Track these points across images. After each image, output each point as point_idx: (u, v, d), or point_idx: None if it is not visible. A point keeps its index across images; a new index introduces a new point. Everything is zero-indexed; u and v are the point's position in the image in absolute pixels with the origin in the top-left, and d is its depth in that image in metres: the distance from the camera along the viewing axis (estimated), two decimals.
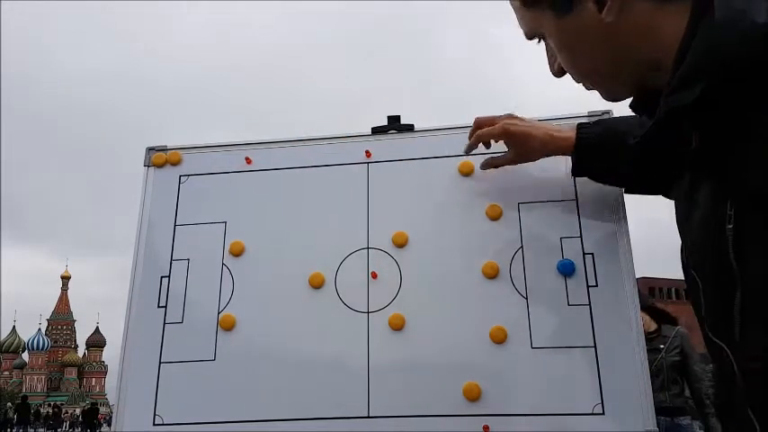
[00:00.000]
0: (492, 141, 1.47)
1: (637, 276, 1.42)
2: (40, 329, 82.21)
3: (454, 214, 1.54)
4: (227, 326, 1.53)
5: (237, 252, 1.60)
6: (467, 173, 1.57)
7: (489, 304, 1.44)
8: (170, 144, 1.76)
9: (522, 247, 1.48)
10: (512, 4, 0.91)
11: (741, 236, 0.70)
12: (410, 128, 1.66)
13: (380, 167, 1.62)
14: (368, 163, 1.63)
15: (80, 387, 79.51)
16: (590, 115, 1.52)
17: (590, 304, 1.40)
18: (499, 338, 1.41)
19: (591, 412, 1.33)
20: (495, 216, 1.51)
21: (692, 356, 3.52)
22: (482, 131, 1.40)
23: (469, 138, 1.45)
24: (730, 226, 0.71)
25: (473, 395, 1.37)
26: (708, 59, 0.68)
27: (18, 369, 79.31)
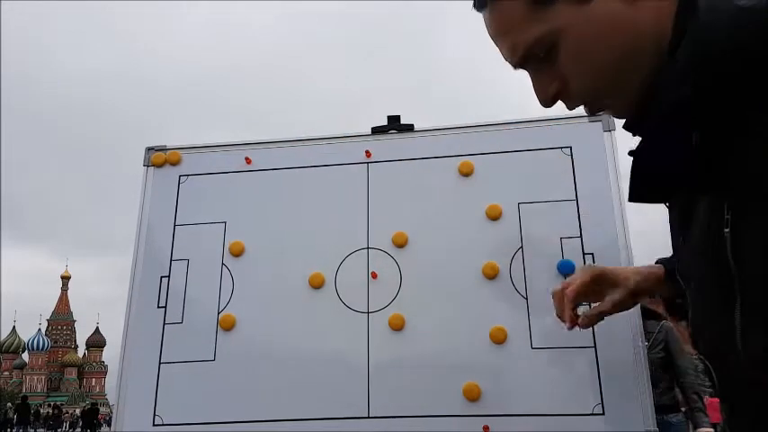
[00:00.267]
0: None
1: None
2: (40, 329, 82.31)
3: (454, 214, 1.54)
4: (227, 326, 1.53)
5: (237, 252, 1.60)
6: (467, 173, 1.57)
7: (489, 304, 1.44)
8: (169, 144, 1.76)
9: (522, 247, 1.48)
10: (502, 29, 0.81)
11: (739, 239, 0.70)
12: (410, 128, 1.66)
13: (380, 167, 1.62)
14: (368, 163, 1.63)
15: (80, 387, 79.53)
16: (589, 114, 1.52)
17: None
18: (499, 338, 1.41)
19: (591, 412, 1.33)
20: (495, 216, 1.51)
21: (675, 351, 3.46)
22: (570, 289, 1.17)
23: (560, 309, 1.21)
24: (727, 229, 0.70)
25: (473, 395, 1.37)
26: (697, 56, 0.68)
27: (18, 369, 79.35)
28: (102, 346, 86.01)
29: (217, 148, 1.74)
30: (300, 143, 1.70)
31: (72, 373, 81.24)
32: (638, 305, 1.40)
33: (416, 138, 1.65)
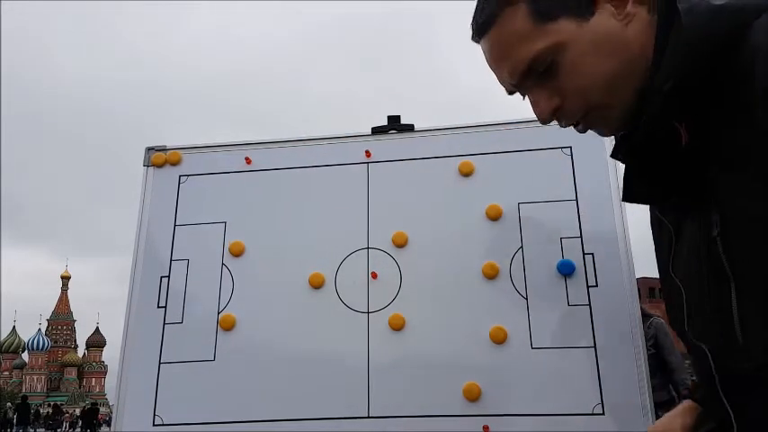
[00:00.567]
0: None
1: (637, 276, 1.42)
2: (40, 329, 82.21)
3: (454, 214, 1.54)
4: (227, 326, 1.53)
5: (237, 252, 1.60)
6: (467, 173, 1.57)
7: (489, 304, 1.44)
8: (169, 144, 1.76)
9: (522, 247, 1.48)
10: (507, 45, 0.83)
11: (729, 239, 0.73)
12: (410, 128, 1.66)
13: (380, 167, 1.62)
14: (368, 163, 1.63)
15: (80, 387, 79.42)
16: None
17: (590, 304, 1.40)
18: (499, 338, 1.41)
19: (591, 412, 1.33)
20: (495, 216, 1.51)
21: (666, 347, 3.44)
22: None
23: None
24: (717, 230, 0.74)
25: (473, 395, 1.37)
26: (679, 54, 0.74)
27: (18, 369, 79.27)
28: (102, 346, 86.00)
29: (217, 148, 1.74)
30: (300, 143, 1.70)
31: (72, 373, 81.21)
32: (639, 305, 1.40)
33: (416, 138, 1.65)
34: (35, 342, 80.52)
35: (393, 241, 1.54)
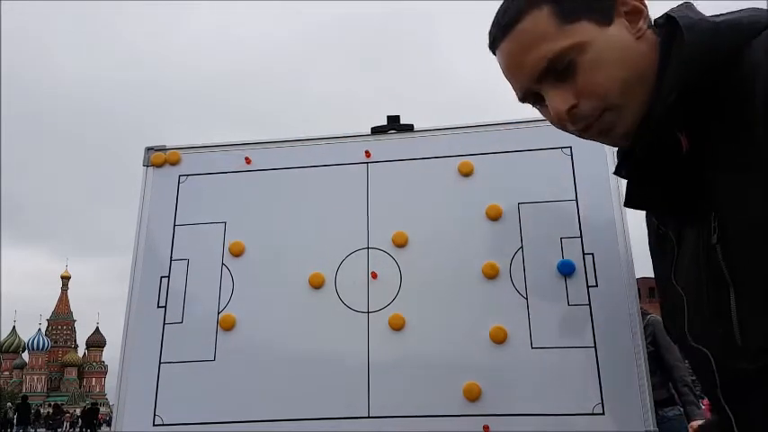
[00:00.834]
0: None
1: (637, 276, 1.42)
2: (40, 329, 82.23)
3: (454, 214, 1.54)
4: (227, 326, 1.53)
5: (237, 252, 1.60)
6: (467, 173, 1.57)
7: (489, 304, 1.44)
8: (169, 144, 1.76)
9: (522, 247, 1.48)
10: (529, 42, 0.86)
11: (728, 246, 0.76)
12: (410, 128, 1.66)
13: (380, 167, 1.62)
14: (368, 163, 1.63)
15: (80, 387, 79.45)
16: None
17: (590, 304, 1.40)
18: (499, 338, 1.41)
19: (591, 412, 1.33)
20: (495, 216, 1.51)
21: (663, 344, 3.41)
22: None
23: None
24: (716, 235, 0.77)
25: (473, 395, 1.37)
26: (683, 69, 0.79)
27: (18, 369, 79.28)
28: (102, 346, 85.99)
29: (216, 148, 1.73)
30: (300, 143, 1.70)
31: (72, 373, 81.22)
32: (639, 305, 1.40)
33: (416, 138, 1.65)
34: (35, 342, 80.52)
35: (393, 241, 1.54)
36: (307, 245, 1.57)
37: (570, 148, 1.53)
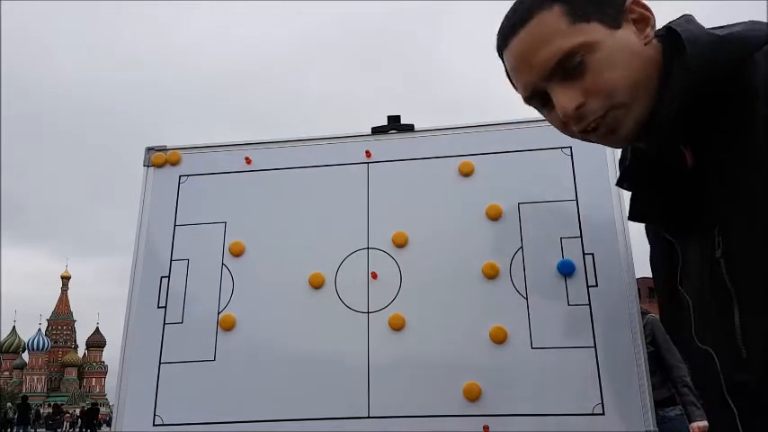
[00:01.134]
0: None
1: (637, 276, 1.42)
2: (40, 329, 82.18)
3: (454, 214, 1.54)
4: (227, 326, 1.53)
5: (237, 252, 1.60)
6: (467, 173, 1.57)
7: (489, 304, 1.44)
8: (169, 144, 1.76)
9: (522, 247, 1.48)
10: (540, 40, 0.86)
11: (731, 258, 0.77)
12: (410, 128, 1.66)
13: (380, 167, 1.62)
14: (368, 163, 1.63)
15: (80, 387, 79.41)
16: None
17: (590, 304, 1.40)
18: (499, 338, 1.41)
19: (591, 412, 1.33)
20: (495, 216, 1.51)
21: (662, 344, 3.40)
22: None
23: None
24: (719, 249, 0.78)
25: (473, 395, 1.37)
26: (685, 83, 0.80)
27: (18, 369, 79.24)
28: (102, 346, 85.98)
29: (217, 148, 1.73)
30: (300, 143, 1.70)
31: (72, 373, 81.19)
32: (639, 305, 1.40)
33: (416, 138, 1.65)
34: (35, 342, 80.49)
35: (393, 241, 1.54)
36: (307, 245, 1.57)
37: (570, 148, 1.53)
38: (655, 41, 0.87)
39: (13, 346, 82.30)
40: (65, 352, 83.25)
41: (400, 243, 1.53)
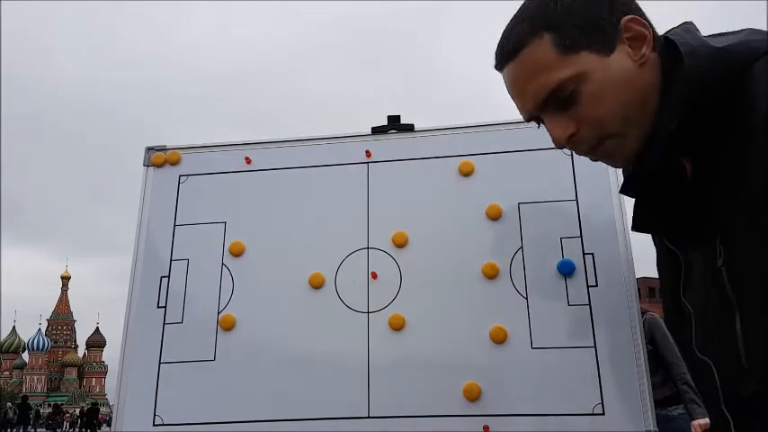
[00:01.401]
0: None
1: (637, 276, 1.42)
2: (40, 329, 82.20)
3: (454, 214, 1.54)
4: (227, 326, 1.53)
5: (237, 252, 1.60)
6: (467, 173, 1.57)
7: (489, 304, 1.44)
8: (169, 144, 1.76)
9: (522, 247, 1.48)
10: (532, 72, 0.87)
11: (732, 267, 0.78)
12: (410, 128, 1.66)
13: (380, 167, 1.62)
14: (368, 163, 1.63)
15: (80, 387, 79.44)
16: None
17: (590, 304, 1.40)
18: (499, 338, 1.41)
19: (591, 412, 1.33)
20: (495, 216, 1.51)
21: (661, 343, 3.39)
22: None
23: None
24: (721, 259, 0.78)
25: (473, 395, 1.37)
26: (684, 95, 0.80)
27: (18, 369, 79.26)
28: (102, 346, 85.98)
29: (217, 148, 1.73)
30: (300, 143, 1.70)
31: (72, 373, 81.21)
32: (639, 305, 1.40)
33: (416, 138, 1.65)
34: (35, 342, 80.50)
35: (393, 241, 1.54)
36: (307, 245, 1.57)
37: None
38: (653, 56, 0.86)
39: (13, 346, 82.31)
40: (65, 352, 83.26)
41: (400, 243, 1.53)
